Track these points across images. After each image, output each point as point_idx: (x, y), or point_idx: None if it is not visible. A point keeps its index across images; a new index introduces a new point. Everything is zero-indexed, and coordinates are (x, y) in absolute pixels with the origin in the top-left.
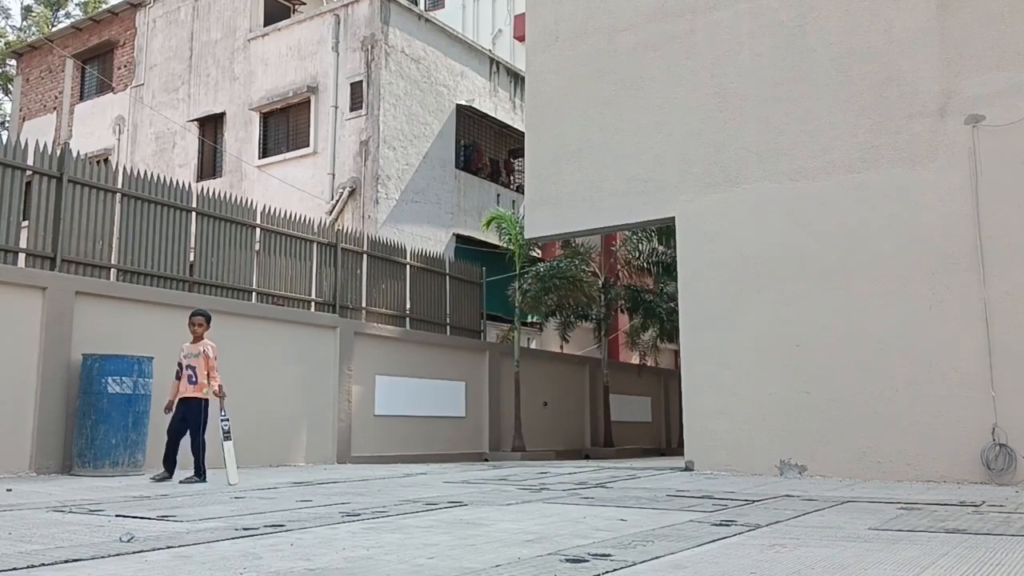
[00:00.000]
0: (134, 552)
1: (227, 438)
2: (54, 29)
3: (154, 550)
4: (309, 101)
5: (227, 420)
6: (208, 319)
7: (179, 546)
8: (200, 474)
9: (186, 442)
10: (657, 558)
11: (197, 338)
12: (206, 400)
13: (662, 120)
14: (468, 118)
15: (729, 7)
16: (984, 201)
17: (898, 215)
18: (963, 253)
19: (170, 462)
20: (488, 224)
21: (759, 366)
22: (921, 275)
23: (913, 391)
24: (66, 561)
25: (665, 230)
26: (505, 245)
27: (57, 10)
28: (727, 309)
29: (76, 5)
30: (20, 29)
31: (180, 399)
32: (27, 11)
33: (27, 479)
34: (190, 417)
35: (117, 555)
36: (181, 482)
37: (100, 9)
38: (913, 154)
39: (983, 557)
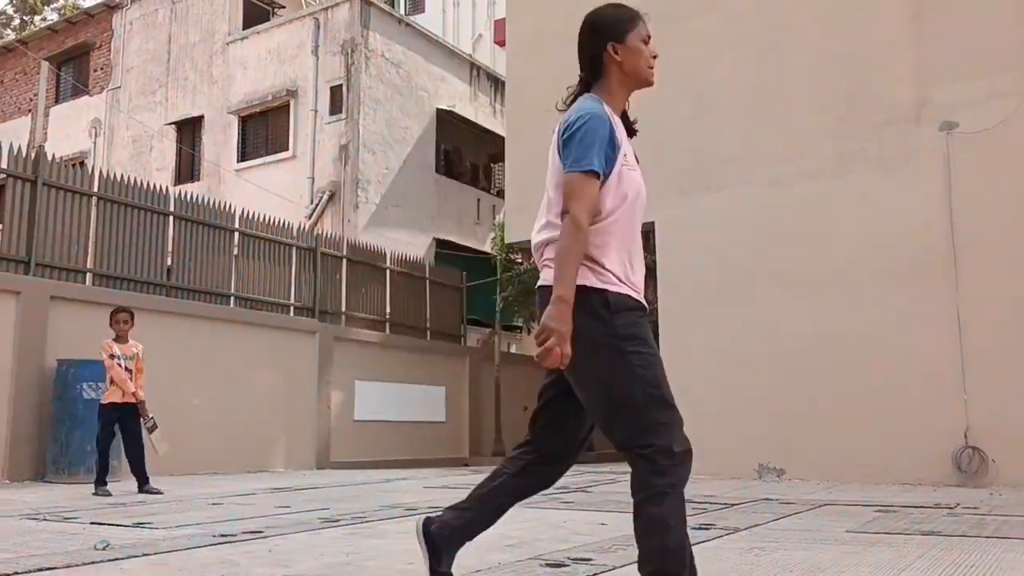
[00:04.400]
0: (109, 560)
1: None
2: (28, 32)
3: (129, 558)
4: (288, 105)
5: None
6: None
7: (155, 553)
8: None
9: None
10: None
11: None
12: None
13: (639, 127)
14: (449, 123)
15: (706, 15)
16: (958, 208)
17: (873, 221)
18: (937, 259)
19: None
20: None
21: (737, 371)
22: (896, 281)
23: (888, 395)
24: (39, 570)
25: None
26: (494, 252)
27: (32, 14)
28: (704, 314)
29: (52, 10)
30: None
31: (125, 403)
32: (6, 19)
33: (0, 486)
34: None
35: (92, 563)
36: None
37: (76, 12)
38: (888, 161)
39: (957, 559)
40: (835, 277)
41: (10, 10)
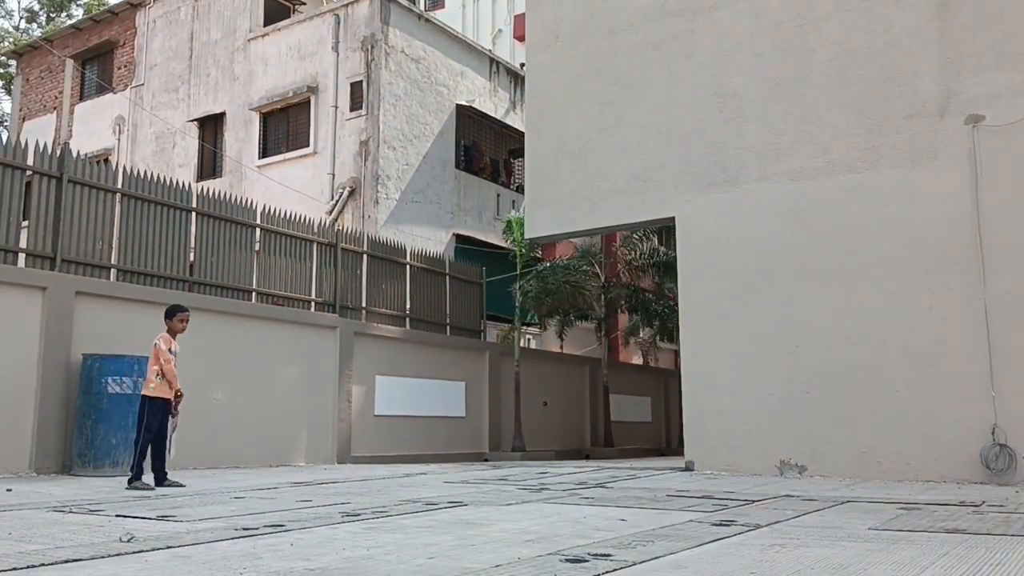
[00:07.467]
0: (134, 552)
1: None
2: (54, 29)
3: (154, 550)
4: (309, 101)
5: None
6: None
7: (179, 546)
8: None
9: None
10: (657, 558)
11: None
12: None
13: (662, 120)
14: (468, 118)
15: (729, 7)
16: (984, 201)
17: (898, 215)
18: (963, 253)
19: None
20: (508, 228)
21: (759, 366)
22: (921, 275)
23: (913, 391)
24: (66, 561)
25: (665, 229)
26: (509, 246)
27: (60, 12)
28: (727, 309)
29: (79, 6)
30: (19, 30)
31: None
32: (31, 15)
33: (27, 479)
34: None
35: (117, 555)
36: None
37: (100, 9)
38: (913, 154)
39: (983, 557)
40: (860, 272)
41: (36, 6)
